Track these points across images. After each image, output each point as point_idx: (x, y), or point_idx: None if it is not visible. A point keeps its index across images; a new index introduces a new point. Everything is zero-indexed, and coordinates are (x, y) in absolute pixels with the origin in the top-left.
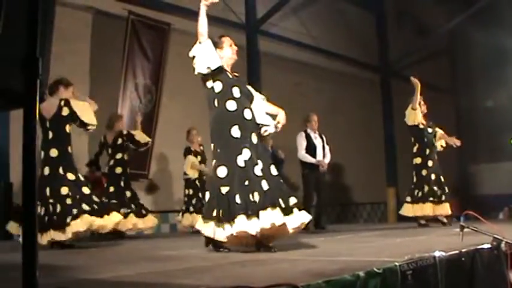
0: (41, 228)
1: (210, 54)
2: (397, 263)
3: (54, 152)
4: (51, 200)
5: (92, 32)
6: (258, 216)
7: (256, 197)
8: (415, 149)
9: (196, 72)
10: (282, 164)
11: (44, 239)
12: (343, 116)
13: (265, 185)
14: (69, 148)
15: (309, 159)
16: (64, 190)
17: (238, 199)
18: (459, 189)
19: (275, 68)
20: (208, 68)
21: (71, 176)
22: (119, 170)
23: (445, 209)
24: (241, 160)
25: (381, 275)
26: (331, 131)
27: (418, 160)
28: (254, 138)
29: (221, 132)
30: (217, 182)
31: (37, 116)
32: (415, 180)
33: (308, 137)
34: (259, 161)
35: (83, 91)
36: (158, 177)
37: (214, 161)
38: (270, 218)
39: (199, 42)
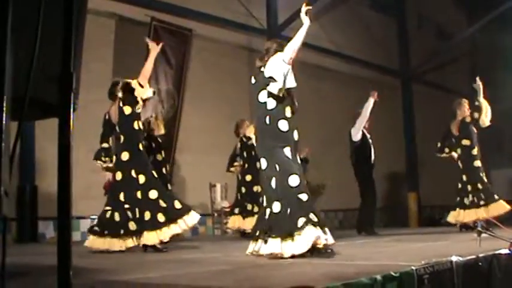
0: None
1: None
2: (413, 267)
3: (125, 156)
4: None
5: (115, 38)
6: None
7: None
8: (475, 152)
9: (276, 91)
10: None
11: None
12: None
13: None
14: (141, 146)
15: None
16: (139, 194)
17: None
18: None
19: (296, 72)
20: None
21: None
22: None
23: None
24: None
25: (398, 278)
26: None
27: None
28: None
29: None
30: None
31: (71, 125)
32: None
33: (363, 135)
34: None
35: (106, 97)
36: (180, 182)
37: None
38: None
39: (287, 62)
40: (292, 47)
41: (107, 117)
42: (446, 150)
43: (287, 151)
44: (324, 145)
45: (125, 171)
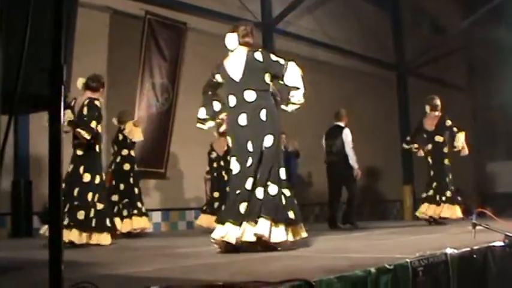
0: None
1: None
2: (408, 260)
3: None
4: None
5: (110, 32)
6: None
7: None
8: (446, 150)
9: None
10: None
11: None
12: (359, 114)
13: None
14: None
15: (354, 160)
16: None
17: None
18: (476, 187)
19: None
20: None
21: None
22: (127, 166)
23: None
24: None
25: (392, 271)
26: None
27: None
28: None
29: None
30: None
31: (61, 118)
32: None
33: None
34: None
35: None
36: (175, 175)
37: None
38: None
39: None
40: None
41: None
42: (415, 145)
43: None
44: (319, 138)
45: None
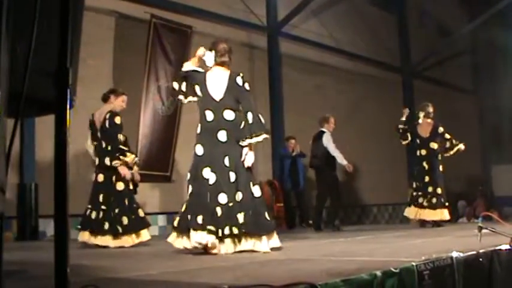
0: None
1: None
2: (414, 263)
3: (107, 161)
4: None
5: (115, 36)
6: None
7: None
8: (440, 157)
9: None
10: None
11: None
12: (365, 117)
13: None
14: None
15: (341, 158)
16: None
17: None
18: (482, 190)
19: (296, 69)
20: None
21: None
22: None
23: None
24: None
25: (398, 274)
26: (352, 132)
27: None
28: None
29: None
30: None
31: (68, 122)
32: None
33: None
34: None
35: None
36: (180, 178)
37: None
38: None
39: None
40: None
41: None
42: (408, 137)
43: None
44: None
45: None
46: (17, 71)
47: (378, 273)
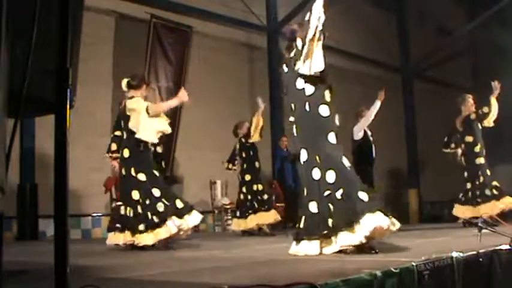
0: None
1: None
2: (414, 263)
3: (126, 153)
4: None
5: (115, 36)
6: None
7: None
8: (478, 149)
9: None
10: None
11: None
12: None
13: None
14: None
15: None
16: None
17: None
18: None
19: None
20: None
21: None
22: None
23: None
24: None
25: (398, 274)
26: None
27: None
28: None
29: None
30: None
31: (67, 121)
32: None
33: (365, 133)
34: None
35: (106, 94)
36: (180, 179)
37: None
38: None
39: None
40: None
41: (121, 106)
42: (452, 145)
43: (331, 137)
44: None
45: (126, 168)
46: (17, 71)
47: (378, 273)
